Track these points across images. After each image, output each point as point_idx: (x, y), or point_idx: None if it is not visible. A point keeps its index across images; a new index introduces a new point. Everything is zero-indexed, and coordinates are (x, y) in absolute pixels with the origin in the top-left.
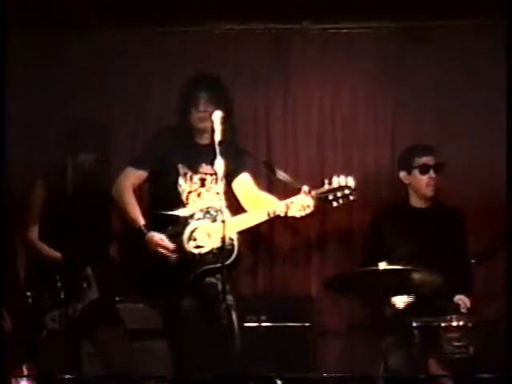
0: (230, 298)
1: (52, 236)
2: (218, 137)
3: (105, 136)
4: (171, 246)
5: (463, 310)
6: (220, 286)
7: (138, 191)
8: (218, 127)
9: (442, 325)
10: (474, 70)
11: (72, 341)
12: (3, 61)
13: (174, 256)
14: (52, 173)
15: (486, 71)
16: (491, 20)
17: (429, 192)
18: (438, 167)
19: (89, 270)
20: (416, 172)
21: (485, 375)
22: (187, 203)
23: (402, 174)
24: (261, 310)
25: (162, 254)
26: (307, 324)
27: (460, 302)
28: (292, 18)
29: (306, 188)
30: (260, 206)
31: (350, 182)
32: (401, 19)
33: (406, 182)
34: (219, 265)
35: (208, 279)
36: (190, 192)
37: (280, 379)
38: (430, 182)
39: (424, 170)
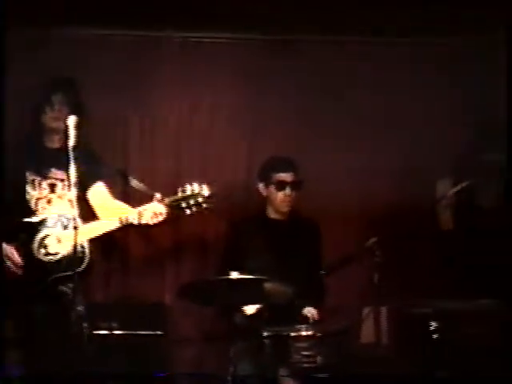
0: (81, 306)
1: None
2: (71, 142)
3: None
4: (18, 259)
5: (311, 322)
6: (72, 294)
7: None
8: (72, 132)
9: (292, 334)
10: (334, 82)
11: None
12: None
13: (21, 269)
14: None
15: (347, 85)
16: (349, 36)
17: (283, 208)
18: (295, 184)
19: None
20: (272, 187)
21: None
22: (36, 210)
23: (261, 186)
24: (113, 317)
25: (10, 266)
26: (160, 332)
27: (309, 315)
28: (155, 26)
29: (158, 195)
30: (114, 214)
31: (204, 189)
32: (264, 31)
33: (264, 194)
34: (70, 273)
35: (60, 287)
36: (39, 199)
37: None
38: (285, 199)
39: (280, 187)
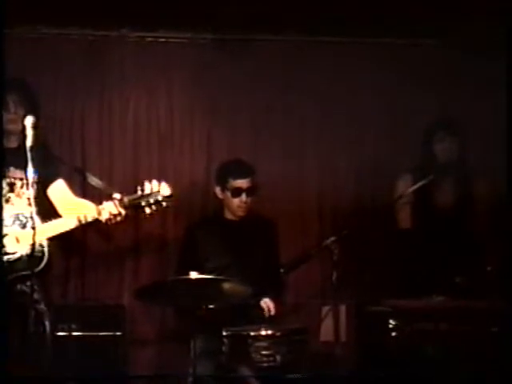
0: (41, 306)
1: None
2: (29, 142)
3: None
4: None
5: (266, 315)
6: (31, 294)
7: None
8: (29, 132)
9: (252, 334)
10: (292, 82)
11: None
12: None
13: None
14: None
15: (305, 84)
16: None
17: (239, 213)
18: (250, 190)
19: None
20: (228, 193)
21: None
22: None
23: (217, 189)
24: (72, 318)
25: None
26: (119, 333)
27: (264, 306)
28: (110, 25)
29: (118, 195)
30: (76, 211)
31: (164, 187)
32: (217, 31)
33: (220, 197)
34: (29, 272)
35: (19, 287)
36: None
37: None
38: (241, 205)
39: (236, 193)
